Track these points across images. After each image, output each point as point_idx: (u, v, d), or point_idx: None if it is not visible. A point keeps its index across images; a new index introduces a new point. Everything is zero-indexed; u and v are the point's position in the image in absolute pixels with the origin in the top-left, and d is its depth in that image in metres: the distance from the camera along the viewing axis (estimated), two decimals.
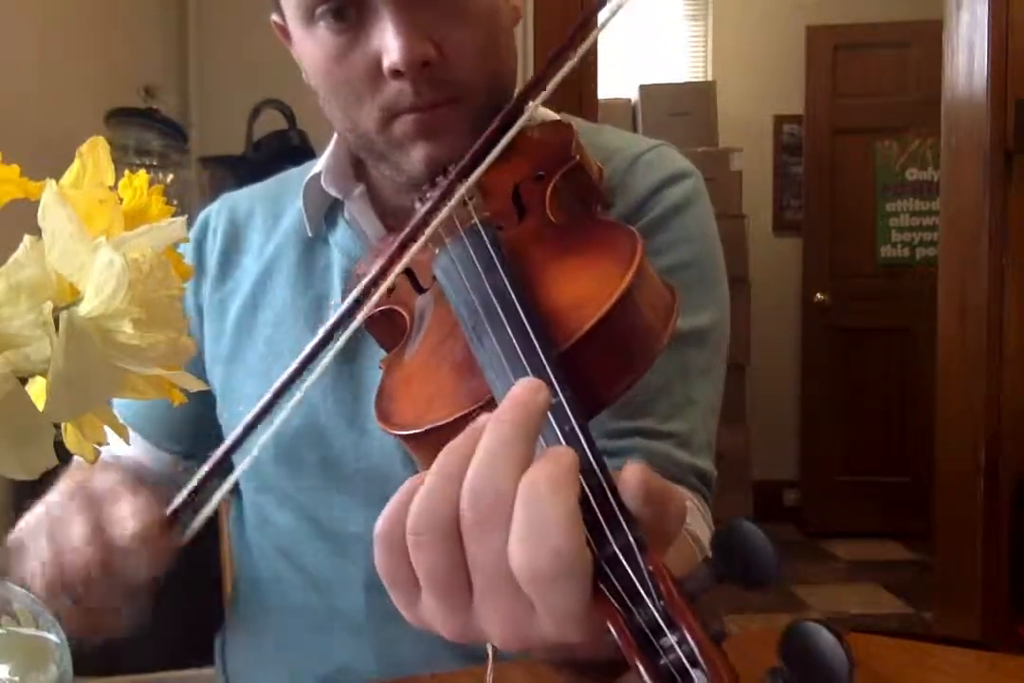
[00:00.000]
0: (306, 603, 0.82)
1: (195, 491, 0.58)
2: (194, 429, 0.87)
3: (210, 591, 1.09)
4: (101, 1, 2.28)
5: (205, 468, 0.58)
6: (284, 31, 0.77)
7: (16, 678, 0.39)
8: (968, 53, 2.49)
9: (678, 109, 3.86)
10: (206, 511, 0.56)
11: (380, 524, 0.40)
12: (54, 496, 0.63)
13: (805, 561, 3.61)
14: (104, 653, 0.59)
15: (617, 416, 0.72)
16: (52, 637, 0.41)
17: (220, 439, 0.84)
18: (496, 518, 0.37)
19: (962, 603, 2.53)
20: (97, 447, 0.42)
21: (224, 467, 0.60)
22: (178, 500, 0.58)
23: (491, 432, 0.38)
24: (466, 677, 0.70)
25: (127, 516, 0.57)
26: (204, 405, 0.85)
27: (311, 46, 0.71)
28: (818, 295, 4.02)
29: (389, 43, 0.66)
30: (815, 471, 4.08)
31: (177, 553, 0.58)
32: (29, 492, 0.71)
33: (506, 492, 0.37)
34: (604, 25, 0.61)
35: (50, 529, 0.59)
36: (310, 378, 0.56)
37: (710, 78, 4.18)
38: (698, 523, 0.71)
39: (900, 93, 3.92)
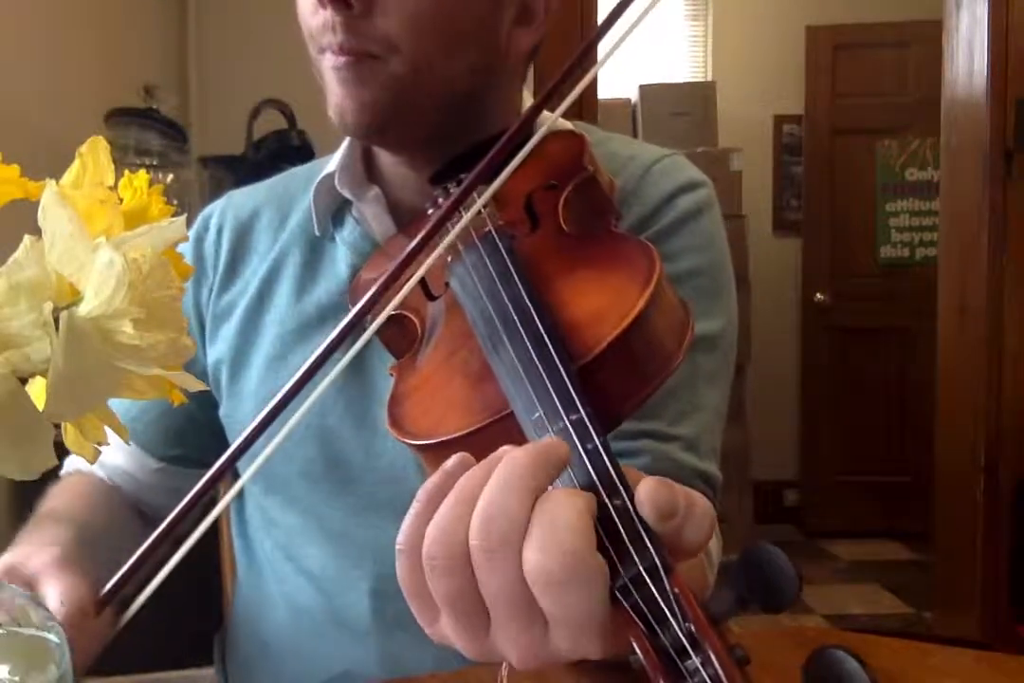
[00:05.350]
0: (310, 605, 0.82)
1: (131, 571, 0.56)
2: (194, 432, 0.87)
3: (210, 591, 1.09)
4: (101, 1, 2.28)
5: (198, 486, 0.56)
6: None
7: (16, 678, 0.39)
8: (968, 53, 2.49)
9: (678, 109, 3.85)
10: (193, 538, 0.55)
11: (400, 539, 0.41)
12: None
13: (805, 561, 3.61)
14: (104, 653, 0.59)
15: None
16: (52, 637, 0.41)
17: (220, 441, 0.84)
18: (507, 545, 0.38)
19: (962, 603, 2.53)
20: (97, 447, 0.42)
21: (225, 477, 0.59)
22: (111, 583, 0.56)
23: (507, 463, 0.39)
24: (466, 677, 0.70)
25: (52, 602, 0.57)
26: (200, 408, 0.84)
27: None
28: (818, 295, 4.03)
29: None
30: (815, 471, 4.08)
31: (117, 630, 0.56)
32: (29, 492, 0.71)
33: (518, 519, 0.38)
34: (632, 29, 0.60)
35: None
36: (317, 389, 0.55)
37: (710, 78, 4.18)
38: None
39: (900, 93, 3.93)
